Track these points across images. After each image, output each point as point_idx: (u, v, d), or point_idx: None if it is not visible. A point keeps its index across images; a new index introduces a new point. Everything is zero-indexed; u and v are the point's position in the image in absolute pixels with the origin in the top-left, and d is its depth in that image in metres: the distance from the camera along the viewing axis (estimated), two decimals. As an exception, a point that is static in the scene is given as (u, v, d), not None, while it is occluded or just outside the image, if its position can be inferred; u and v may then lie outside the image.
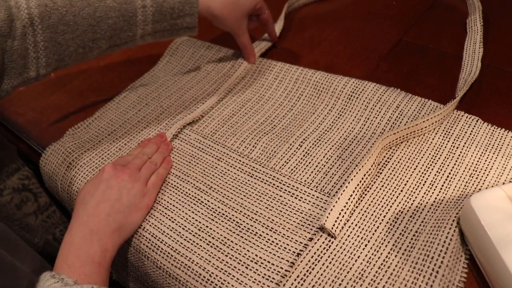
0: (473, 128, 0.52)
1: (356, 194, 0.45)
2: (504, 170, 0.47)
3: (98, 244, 0.42)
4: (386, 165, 0.49)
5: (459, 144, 0.50)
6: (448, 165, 0.48)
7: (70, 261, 0.40)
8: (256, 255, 0.43)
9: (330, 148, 0.52)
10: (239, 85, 0.63)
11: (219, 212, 0.47)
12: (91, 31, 0.50)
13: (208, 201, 0.48)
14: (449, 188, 0.46)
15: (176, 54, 0.70)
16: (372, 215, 0.45)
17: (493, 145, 0.49)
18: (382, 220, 0.44)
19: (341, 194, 0.45)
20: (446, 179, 0.47)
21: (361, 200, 0.46)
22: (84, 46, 0.50)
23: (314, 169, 0.50)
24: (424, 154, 0.50)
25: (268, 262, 0.42)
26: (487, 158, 0.48)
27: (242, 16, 0.59)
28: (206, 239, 0.45)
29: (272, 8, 0.77)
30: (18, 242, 0.51)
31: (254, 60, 0.64)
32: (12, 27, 0.44)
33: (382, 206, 0.45)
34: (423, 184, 0.47)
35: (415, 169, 0.49)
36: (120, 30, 0.52)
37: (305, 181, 0.49)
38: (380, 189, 0.47)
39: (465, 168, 0.48)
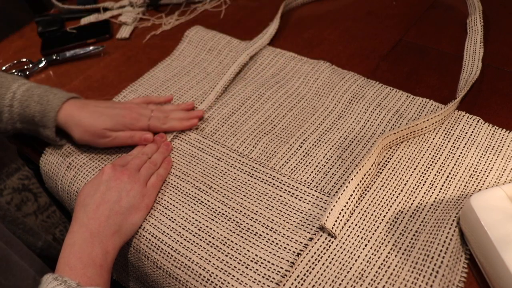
0: (474, 129, 0.52)
1: (356, 194, 0.45)
2: (504, 171, 0.47)
3: (99, 246, 0.42)
4: (386, 165, 0.49)
5: (459, 145, 0.50)
6: (448, 165, 0.48)
7: (72, 263, 0.40)
8: (256, 255, 0.43)
9: (330, 148, 0.52)
10: (239, 85, 0.63)
11: (219, 212, 0.47)
12: None
13: (208, 201, 0.49)
14: (449, 188, 0.46)
15: (190, 43, 0.71)
16: (372, 215, 0.45)
17: (494, 146, 0.49)
18: (382, 220, 0.44)
19: (341, 194, 0.45)
20: (446, 179, 0.47)
21: (361, 200, 0.46)
22: None
23: (314, 169, 0.50)
24: (424, 154, 0.50)
25: (268, 262, 0.42)
26: (488, 158, 0.48)
27: (101, 133, 0.53)
28: (206, 239, 0.45)
29: (269, 7, 0.77)
30: (21, 246, 0.51)
31: (150, 138, 0.55)
32: None
33: (382, 206, 0.45)
34: (423, 184, 0.47)
35: (415, 169, 0.49)
36: None
37: (305, 181, 0.49)
38: (380, 189, 0.47)
39: (465, 168, 0.48)
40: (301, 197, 0.47)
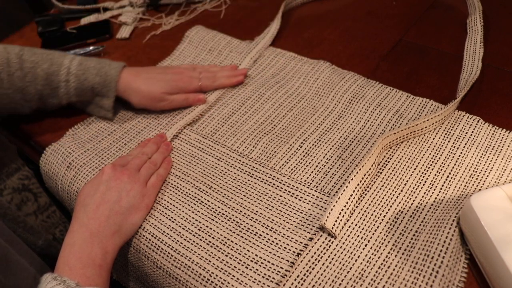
0: (474, 129, 0.52)
1: (356, 194, 0.45)
2: (504, 171, 0.47)
3: (98, 246, 0.42)
4: (386, 165, 0.49)
5: (459, 145, 0.50)
6: (448, 165, 0.48)
7: (71, 263, 0.40)
8: (256, 255, 0.43)
9: (331, 148, 0.52)
10: (239, 85, 0.63)
11: (219, 212, 0.47)
12: (20, 91, 0.54)
13: (208, 201, 0.48)
14: (449, 188, 0.46)
15: (191, 43, 0.71)
16: (372, 215, 0.45)
17: (494, 146, 0.49)
18: (382, 220, 0.44)
19: (341, 194, 0.45)
20: (446, 179, 0.47)
21: (361, 200, 0.46)
22: (16, 102, 0.55)
23: (314, 169, 0.50)
24: (424, 154, 0.50)
25: (268, 262, 0.42)
26: (488, 158, 0.48)
27: (159, 97, 0.57)
28: (206, 239, 0.45)
29: (269, 7, 0.77)
30: (21, 245, 0.51)
31: (203, 99, 0.60)
32: None
33: (382, 206, 0.45)
34: (423, 184, 0.47)
35: (415, 169, 0.49)
36: (47, 96, 0.56)
37: (305, 181, 0.49)
38: (380, 189, 0.47)
39: (466, 168, 0.48)
40: (301, 197, 0.47)
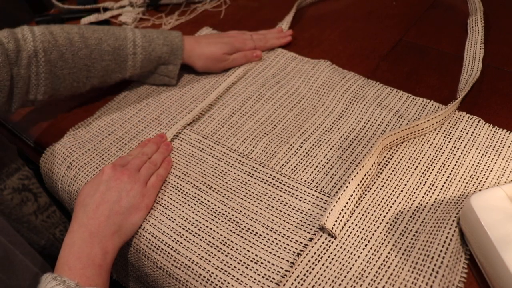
0: (474, 129, 0.52)
1: (356, 194, 0.45)
2: (504, 171, 0.47)
3: (98, 246, 0.42)
4: (387, 165, 0.49)
5: (460, 145, 0.50)
6: (448, 166, 0.48)
7: (71, 263, 0.40)
8: (256, 255, 0.43)
9: (331, 149, 0.52)
10: (239, 84, 0.63)
11: (219, 212, 0.47)
12: (86, 69, 0.55)
13: (208, 201, 0.48)
14: (449, 188, 0.46)
15: None
16: (372, 215, 0.45)
17: (494, 146, 0.49)
18: (382, 220, 0.44)
19: (342, 194, 0.45)
20: (446, 180, 0.47)
21: (361, 200, 0.46)
22: (78, 81, 0.56)
23: (315, 169, 0.50)
24: (424, 155, 0.50)
25: (268, 262, 0.42)
26: (488, 159, 0.48)
27: (221, 58, 0.63)
28: (206, 239, 0.45)
29: (269, 7, 0.77)
30: (25, 245, 0.51)
31: (260, 55, 0.66)
32: (18, 57, 0.50)
33: (382, 206, 0.45)
34: (424, 185, 0.47)
35: (415, 169, 0.49)
36: (111, 71, 0.58)
37: (305, 181, 0.49)
38: (381, 189, 0.47)
39: (466, 168, 0.48)
40: (301, 197, 0.47)
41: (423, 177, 0.48)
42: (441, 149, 0.50)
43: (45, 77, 0.52)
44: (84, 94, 0.63)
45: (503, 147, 0.49)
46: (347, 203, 0.45)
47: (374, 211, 0.45)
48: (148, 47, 0.58)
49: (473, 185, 0.46)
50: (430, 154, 0.50)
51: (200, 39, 0.63)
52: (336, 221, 0.43)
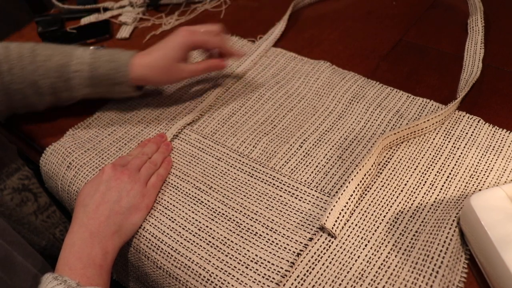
0: (474, 129, 0.52)
1: (356, 194, 0.45)
2: (504, 171, 0.47)
3: (99, 246, 0.42)
4: (387, 165, 0.49)
5: (459, 145, 0.50)
6: (448, 166, 0.48)
7: (72, 263, 0.40)
8: (256, 255, 0.43)
9: (331, 149, 0.52)
10: (239, 84, 0.63)
11: (219, 212, 0.47)
12: (34, 85, 0.54)
13: (208, 201, 0.48)
14: (449, 188, 0.46)
15: None
16: (372, 215, 0.45)
17: (494, 146, 0.49)
18: (382, 220, 0.44)
19: (342, 194, 0.45)
20: (446, 180, 0.47)
21: (361, 200, 0.46)
22: (30, 97, 0.55)
23: (315, 169, 0.50)
24: (424, 155, 0.50)
25: (268, 262, 0.42)
26: (488, 159, 0.48)
27: (173, 68, 0.55)
28: (206, 239, 0.45)
29: (269, 7, 0.77)
30: (25, 246, 0.51)
31: (224, 65, 0.58)
32: None
33: (382, 206, 0.45)
34: (423, 184, 0.47)
35: (415, 169, 0.49)
36: (60, 90, 0.55)
37: (305, 181, 0.49)
38: (381, 189, 0.47)
39: (466, 168, 0.48)
40: (301, 197, 0.47)
41: (423, 177, 0.48)
42: (441, 149, 0.50)
43: None
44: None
45: (503, 147, 0.49)
46: (347, 203, 0.45)
47: (374, 211, 0.45)
48: (93, 64, 0.54)
49: (473, 185, 0.46)
50: (430, 154, 0.50)
51: (149, 50, 0.56)
52: (336, 221, 0.43)
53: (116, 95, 0.58)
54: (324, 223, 0.43)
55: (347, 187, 0.45)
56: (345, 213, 0.44)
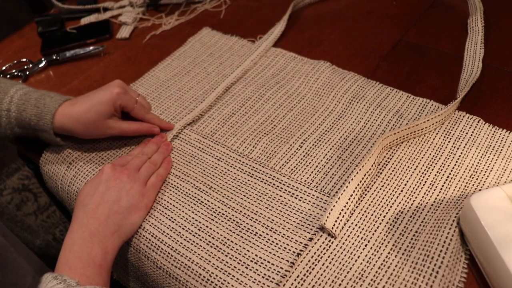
0: (474, 129, 0.52)
1: (356, 194, 0.45)
2: (504, 171, 0.47)
3: (98, 246, 0.42)
4: (387, 165, 0.49)
5: (459, 145, 0.50)
6: (448, 166, 0.48)
7: (71, 263, 0.41)
8: (256, 255, 0.43)
9: (331, 149, 0.52)
10: (239, 84, 0.63)
11: (219, 212, 0.47)
12: None
13: (208, 201, 0.48)
14: (449, 188, 0.46)
15: (193, 47, 0.71)
16: (372, 215, 0.45)
17: (494, 146, 0.49)
18: (382, 220, 0.44)
19: (341, 194, 0.45)
20: (446, 180, 0.47)
21: (361, 200, 0.46)
22: None
23: (314, 169, 0.50)
24: (424, 155, 0.50)
25: (268, 262, 0.42)
26: (488, 159, 0.48)
27: (101, 124, 0.52)
28: (206, 239, 0.45)
29: (269, 7, 0.77)
30: (19, 244, 0.51)
31: (157, 131, 0.56)
32: None
33: (382, 206, 0.45)
34: (423, 184, 0.47)
35: (415, 169, 0.49)
36: None
37: (305, 181, 0.49)
38: (380, 189, 0.47)
39: (466, 168, 0.48)
40: (301, 197, 0.47)
41: (423, 177, 0.48)
42: (441, 149, 0.50)
43: None
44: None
45: (503, 147, 0.49)
46: (347, 203, 0.45)
47: (374, 211, 0.45)
48: (21, 106, 0.51)
49: (473, 185, 0.46)
50: (430, 154, 0.50)
51: (77, 100, 0.52)
52: (336, 221, 0.43)
53: (45, 140, 0.54)
54: (324, 223, 0.43)
55: (347, 187, 0.45)
56: (345, 213, 0.44)
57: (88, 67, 0.71)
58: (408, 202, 0.45)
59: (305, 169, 0.50)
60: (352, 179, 0.46)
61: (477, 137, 0.51)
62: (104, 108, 0.51)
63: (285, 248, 0.43)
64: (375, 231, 0.43)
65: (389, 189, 0.47)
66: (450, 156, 0.49)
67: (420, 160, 0.49)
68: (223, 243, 0.44)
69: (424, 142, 0.51)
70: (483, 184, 0.46)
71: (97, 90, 0.53)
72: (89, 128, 0.52)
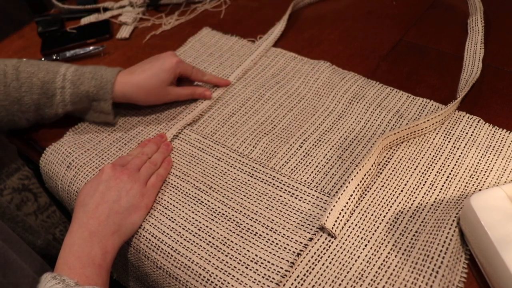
0: (474, 129, 0.52)
1: (356, 194, 0.45)
2: (504, 171, 0.47)
3: (98, 246, 0.42)
4: (387, 165, 0.49)
5: (459, 145, 0.50)
6: (448, 166, 0.48)
7: (71, 263, 0.40)
8: (256, 255, 0.43)
9: (331, 149, 0.52)
10: (239, 84, 0.63)
11: (219, 212, 0.47)
12: (17, 103, 0.54)
13: (208, 201, 0.48)
14: (449, 188, 0.46)
15: (193, 47, 0.71)
16: (372, 215, 0.45)
17: (494, 146, 0.49)
18: (382, 220, 0.44)
19: (342, 194, 0.45)
20: (446, 180, 0.47)
21: (361, 200, 0.46)
22: (13, 114, 0.55)
23: (314, 169, 0.50)
24: (424, 155, 0.50)
25: (268, 262, 0.42)
26: (488, 159, 0.48)
27: (162, 90, 0.57)
28: (206, 239, 0.45)
29: (269, 7, 0.77)
30: (20, 244, 0.51)
31: (210, 95, 0.60)
32: None
33: (382, 206, 0.45)
34: (423, 184, 0.47)
35: (415, 169, 0.49)
36: (43, 106, 0.55)
37: (305, 181, 0.49)
38: (380, 189, 0.47)
39: (466, 168, 0.48)
40: (301, 197, 0.47)
41: (423, 177, 0.48)
42: (441, 149, 0.50)
43: None
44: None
45: (503, 147, 0.49)
46: (347, 203, 0.45)
47: (374, 211, 0.45)
48: (76, 81, 0.54)
49: (473, 185, 0.46)
50: (430, 154, 0.50)
51: (135, 69, 0.56)
52: (336, 221, 0.43)
53: (95, 115, 0.58)
54: (324, 223, 0.43)
55: (347, 187, 0.45)
56: (345, 213, 0.44)
57: (88, 67, 0.71)
58: (408, 202, 0.45)
59: (305, 169, 0.50)
60: (352, 179, 0.46)
61: (477, 137, 0.51)
62: (166, 75, 0.55)
63: (285, 248, 0.43)
64: (375, 231, 0.43)
65: (389, 189, 0.47)
66: (450, 156, 0.49)
67: (420, 160, 0.49)
68: (223, 243, 0.44)
69: (424, 142, 0.51)
70: (483, 184, 0.46)
71: (153, 60, 0.57)
72: (150, 94, 0.56)
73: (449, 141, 0.51)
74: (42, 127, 0.61)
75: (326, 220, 0.43)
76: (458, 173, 0.47)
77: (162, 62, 0.56)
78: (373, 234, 0.43)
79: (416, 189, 0.47)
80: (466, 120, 0.53)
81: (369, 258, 0.41)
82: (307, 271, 0.41)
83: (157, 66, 0.55)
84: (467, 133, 0.51)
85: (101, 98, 0.55)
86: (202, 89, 0.60)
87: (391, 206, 0.45)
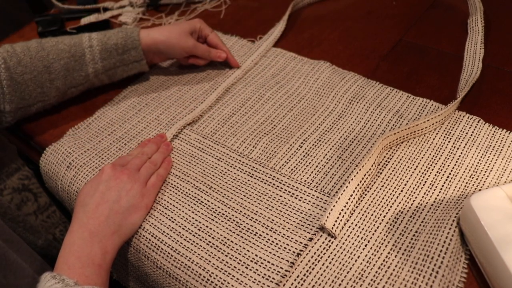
0: (474, 129, 0.52)
1: (356, 194, 0.45)
2: (504, 171, 0.47)
3: (98, 246, 0.42)
4: (387, 165, 0.49)
5: (459, 145, 0.50)
6: (448, 166, 0.48)
7: (71, 263, 0.40)
8: (256, 255, 0.43)
9: (331, 149, 0.52)
10: (239, 84, 0.63)
11: (219, 212, 0.47)
12: (46, 71, 0.56)
13: (208, 201, 0.48)
14: (449, 188, 0.46)
15: None
16: (372, 215, 0.45)
17: (494, 146, 0.49)
18: (382, 220, 0.44)
19: (341, 194, 0.45)
20: (446, 180, 0.47)
21: (361, 200, 0.46)
22: (42, 86, 0.56)
23: (314, 169, 0.50)
24: (424, 155, 0.50)
25: (268, 262, 0.42)
26: (488, 159, 0.48)
27: (186, 38, 0.61)
28: (206, 239, 0.45)
29: (269, 7, 0.77)
30: (21, 244, 0.51)
31: (225, 56, 0.64)
32: None
33: (382, 206, 0.45)
34: (423, 184, 0.47)
35: (415, 169, 0.49)
36: (72, 69, 0.57)
37: (305, 181, 0.49)
38: (380, 189, 0.47)
39: (466, 168, 0.48)
40: (301, 197, 0.47)
41: (423, 177, 0.48)
42: (441, 149, 0.50)
43: (7, 84, 0.53)
44: (84, 94, 0.63)
45: (503, 147, 0.49)
46: (347, 203, 0.45)
47: (374, 211, 0.45)
48: (103, 38, 0.58)
49: (473, 185, 0.46)
50: (430, 154, 0.50)
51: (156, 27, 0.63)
52: (336, 221, 0.43)
53: (126, 68, 0.60)
54: (324, 223, 0.43)
55: (347, 187, 0.45)
56: (345, 213, 0.44)
57: (88, 67, 0.71)
58: (408, 202, 0.45)
59: (305, 169, 0.50)
60: (352, 179, 0.46)
61: (477, 137, 0.51)
62: (186, 24, 0.61)
63: (285, 248, 0.43)
64: (375, 231, 0.43)
65: (389, 189, 0.47)
66: (450, 156, 0.49)
67: (420, 160, 0.49)
68: (223, 243, 0.44)
69: (424, 142, 0.51)
70: (483, 184, 0.46)
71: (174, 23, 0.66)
72: (173, 38, 0.59)
73: (449, 141, 0.51)
74: (42, 126, 0.61)
75: (326, 220, 0.43)
76: (458, 173, 0.47)
77: (182, 22, 0.62)
78: (373, 234, 0.43)
79: (416, 189, 0.47)
80: (466, 120, 0.53)
81: (369, 258, 0.41)
82: (307, 271, 0.41)
83: (177, 22, 0.60)
84: (467, 133, 0.51)
85: (130, 47, 0.58)
86: (218, 51, 0.63)
87: (391, 206, 0.45)
